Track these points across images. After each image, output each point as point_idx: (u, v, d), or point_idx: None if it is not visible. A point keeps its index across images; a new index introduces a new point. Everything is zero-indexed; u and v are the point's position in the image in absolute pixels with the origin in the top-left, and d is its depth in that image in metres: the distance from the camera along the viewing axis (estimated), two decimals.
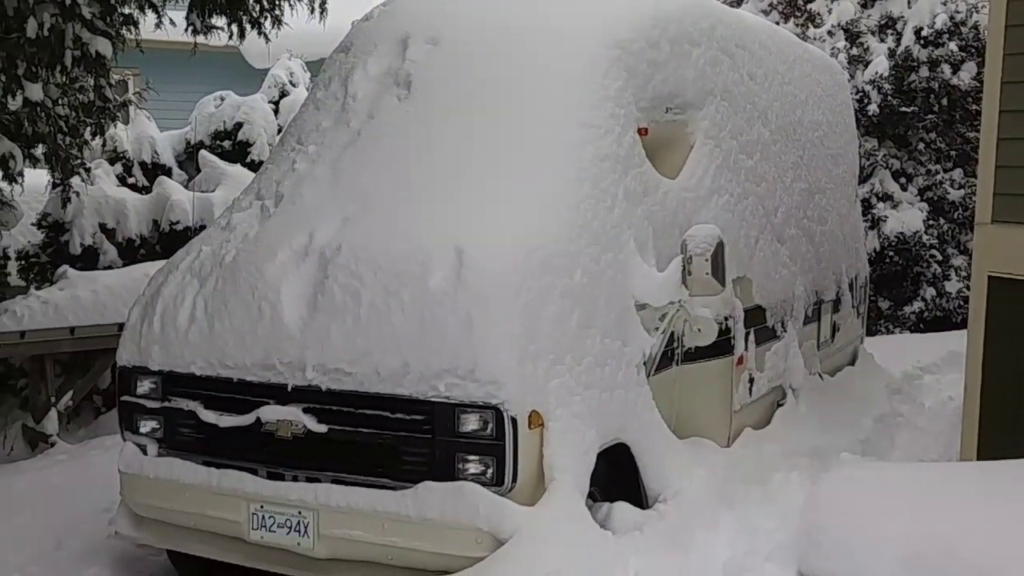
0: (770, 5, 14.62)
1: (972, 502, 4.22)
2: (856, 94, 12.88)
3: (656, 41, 5.63)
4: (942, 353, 10.52)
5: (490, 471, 4.20)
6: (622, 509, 4.75)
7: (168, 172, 11.56)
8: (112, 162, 11.17)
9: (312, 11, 8.38)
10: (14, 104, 6.66)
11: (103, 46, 6.47)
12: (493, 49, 5.39)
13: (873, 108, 13.38)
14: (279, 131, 12.07)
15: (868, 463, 6.13)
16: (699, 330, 5.44)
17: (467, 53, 5.41)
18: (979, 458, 5.78)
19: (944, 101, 13.50)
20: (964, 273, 13.26)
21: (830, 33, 13.88)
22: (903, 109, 13.55)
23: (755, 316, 6.36)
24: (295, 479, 4.55)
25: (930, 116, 13.65)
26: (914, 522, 4.05)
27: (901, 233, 13.38)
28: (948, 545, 3.86)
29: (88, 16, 6.17)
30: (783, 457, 6.14)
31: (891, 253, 13.44)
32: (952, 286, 13.55)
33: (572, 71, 5.24)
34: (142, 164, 11.44)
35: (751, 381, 6.32)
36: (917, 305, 13.58)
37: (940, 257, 13.63)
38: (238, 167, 11.53)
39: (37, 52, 6.25)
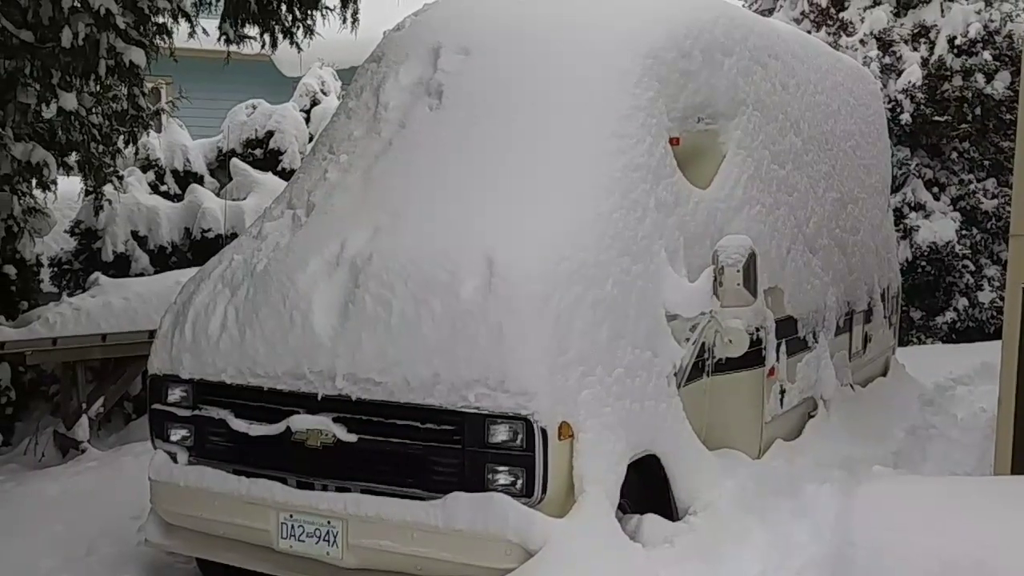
0: (802, 14, 14.55)
1: (1007, 516, 4.16)
2: (889, 103, 12.78)
3: (688, 51, 5.61)
4: (975, 364, 10.40)
5: (520, 482, 4.19)
6: (652, 521, 4.72)
7: (200, 180, 11.64)
8: (145, 170, 11.27)
9: (344, 21, 8.43)
10: (48, 113, 6.72)
11: (137, 56, 6.51)
12: (524, 59, 5.38)
13: (906, 117, 13.28)
14: (310, 139, 12.14)
15: (901, 476, 6.06)
16: (730, 341, 5.41)
17: (498, 63, 5.41)
18: (1014, 471, 5.70)
19: (978, 110, 13.37)
20: (997, 283, 13.11)
21: (862, 42, 13.79)
22: (936, 118, 13.43)
23: (786, 327, 6.31)
24: (325, 488, 4.55)
25: (963, 125, 13.52)
26: (948, 537, 4.00)
27: (933, 243, 13.26)
28: (982, 560, 3.81)
29: (122, 26, 6.21)
30: (815, 469, 6.08)
31: (923, 263, 13.32)
32: (985, 296, 13.40)
33: (604, 81, 5.24)
34: (174, 172, 11.53)
35: (782, 392, 6.27)
36: (949, 315, 13.44)
37: (973, 267, 13.49)
38: (269, 175, 11.61)
39: (72, 61, 6.31)
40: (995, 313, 12.90)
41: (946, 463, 7.09)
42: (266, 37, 8.46)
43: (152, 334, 5.33)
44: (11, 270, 8.54)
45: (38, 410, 8.56)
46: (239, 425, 4.73)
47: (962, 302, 13.46)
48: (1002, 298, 5.99)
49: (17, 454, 7.98)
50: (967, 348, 12.10)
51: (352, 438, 4.44)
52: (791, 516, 5.33)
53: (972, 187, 13.68)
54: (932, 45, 13.57)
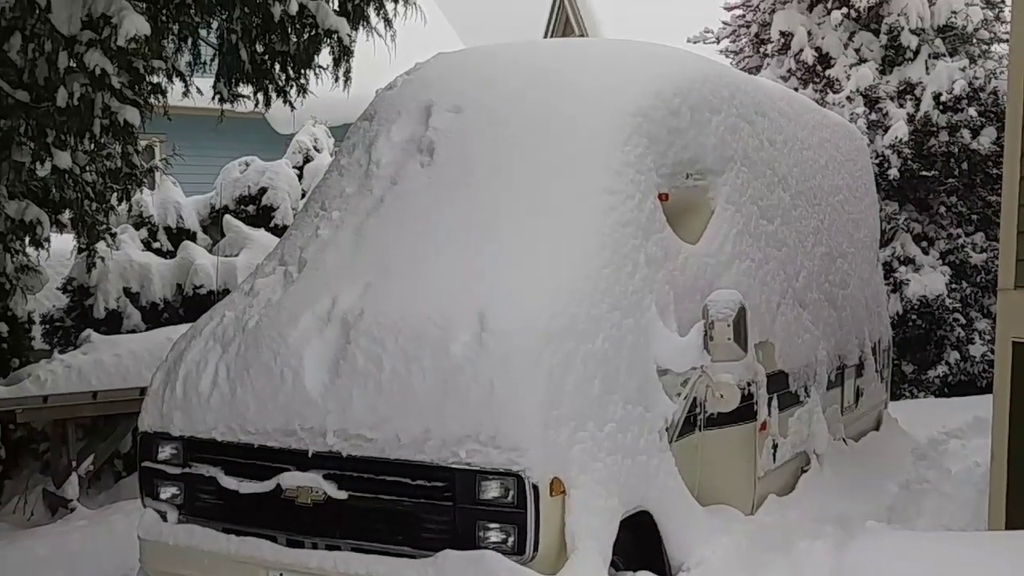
0: (789, 71, 14.74)
1: (1002, 573, 4.14)
2: (876, 158, 12.91)
3: (676, 109, 5.69)
4: (967, 418, 10.39)
5: (511, 539, 4.16)
6: None
7: (193, 237, 11.66)
8: (137, 227, 11.29)
9: (336, 80, 8.51)
10: (42, 171, 6.76)
11: (131, 115, 6.57)
12: (515, 117, 5.45)
13: (893, 172, 13.40)
14: (303, 196, 12.18)
15: (895, 532, 6.02)
16: (721, 396, 5.40)
17: (489, 121, 5.47)
18: (1008, 527, 5.68)
19: (964, 165, 13.51)
20: (988, 337, 13.14)
21: (849, 99, 13.96)
22: (923, 173, 13.56)
23: (778, 381, 6.32)
24: (315, 546, 4.52)
25: (951, 180, 13.66)
26: None
27: (924, 296, 13.31)
28: None
29: (117, 86, 6.26)
30: (808, 524, 6.05)
31: (914, 317, 13.36)
32: (976, 350, 13.43)
33: (593, 138, 5.30)
34: (167, 229, 11.55)
35: (775, 447, 6.26)
36: (941, 369, 13.45)
37: (963, 320, 13.53)
38: (262, 232, 11.63)
39: (67, 121, 6.36)
40: (987, 367, 12.91)
41: (940, 518, 7.05)
42: (260, 96, 8.53)
43: (143, 391, 5.31)
44: (3, 327, 8.52)
45: (27, 468, 8.50)
46: (229, 482, 4.71)
47: (953, 356, 13.48)
48: (993, 351, 6.01)
49: (6, 512, 7.91)
50: (959, 402, 12.09)
51: (342, 495, 4.42)
52: (785, 572, 5.29)
53: (961, 241, 13.78)
54: (918, 102, 13.75)
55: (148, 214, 11.40)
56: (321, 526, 4.50)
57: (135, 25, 6.02)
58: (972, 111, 13.31)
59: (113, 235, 9.37)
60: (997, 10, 14.94)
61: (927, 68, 13.99)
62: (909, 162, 13.50)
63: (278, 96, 8.55)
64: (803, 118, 7.61)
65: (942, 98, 13.43)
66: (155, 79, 7.55)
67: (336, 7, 8.07)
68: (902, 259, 13.63)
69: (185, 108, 8.57)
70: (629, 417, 4.68)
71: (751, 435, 5.91)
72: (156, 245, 11.37)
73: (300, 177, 12.87)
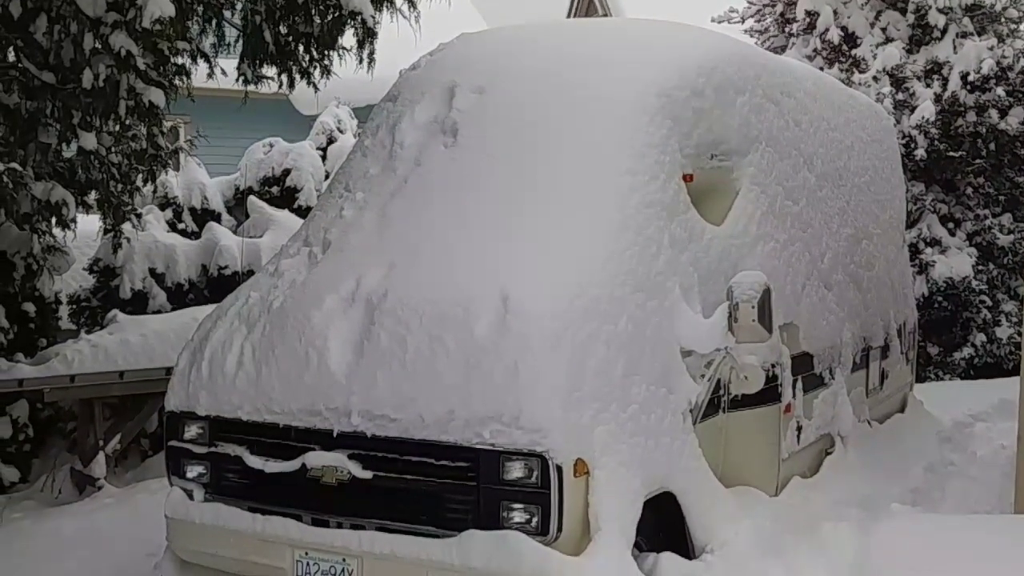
0: (814, 51, 14.62)
1: None
2: (903, 139, 12.80)
3: (701, 89, 5.65)
4: (993, 400, 10.30)
5: (535, 520, 4.17)
6: (669, 560, 4.69)
7: (217, 218, 11.71)
8: (163, 208, 11.35)
9: (360, 61, 8.51)
10: (68, 152, 6.81)
11: (156, 96, 6.60)
12: (538, 98, 5.43)
13: (920, 153, 13.29)
14: (326, 177, 12.21)
15: (920, 515, 6.00)
16: (746, 377, 5.39)
17: (513, 102, 5.45)
18: None
19: (992, 146, 13.38)
20: (1015, 319, 13.04)
21: (875, 78, 13.84)
22: (950, 154, 13.44)
23: (802, 363, 6.29)
24: (340, 526, 4.55)
25: (978, 161, 13.53)
26: None
27: (950, 278, 13.21)
28: None
29: (142, 67, 6.30)
30: (832, 507, 6.04)
31: (940, 298, 13.27)
32: (1003, 332, 13.33)
33: (617, 119, 5.27)
34: (192, 210, 11.60)
35: (799, 429, 6.24)
36: (967, 351, 13.36)
37: (990, 302, 13.43)
38: (286, 213, 11.67)
39: (92, 102, 6.40)
40: (1013, 349, 12.82)
41: (965, 501, 7.01)
42: (284, 77, 8.55)
43: (169, 371, 5.36)
44: (30, 307, 8.60)
45: (55, 447, 8.59)
46: (255, 462, 4.74)
47: (980, 338, 13.39)
48: (1020, 333, 5.96)
49: (34, 491, 8.00)
50: (985, 384, 12.01)
51: (367, 475, 4.44)
52: (809, 555, 5.29)
53: (988, 222, 13.66)
54: (945, 81, 13.61)
55: (173, 195, 11.45)
56: (346, 505, 4.53)
57: (160, 6, 6.05)
58: (1000, 91, 13.17)
59: (139, 216, 9.42)
60: None
61: (955, 47, 13.84)
62: (936, 142, 13.37)
63: (302, 77, 8.57)
64: (829, 98, 7.55)
65: (970, 78, 13.29)
66: (180, 60, 7.58)
67: None
68: (928, 240, 13.53)
69: (209, 89, 8.60)
70: (653, 398, 4.68)
71: (775, 417, 5.88)
72: (181, 226, 11.43)
73: (324, 158, 12.90)
